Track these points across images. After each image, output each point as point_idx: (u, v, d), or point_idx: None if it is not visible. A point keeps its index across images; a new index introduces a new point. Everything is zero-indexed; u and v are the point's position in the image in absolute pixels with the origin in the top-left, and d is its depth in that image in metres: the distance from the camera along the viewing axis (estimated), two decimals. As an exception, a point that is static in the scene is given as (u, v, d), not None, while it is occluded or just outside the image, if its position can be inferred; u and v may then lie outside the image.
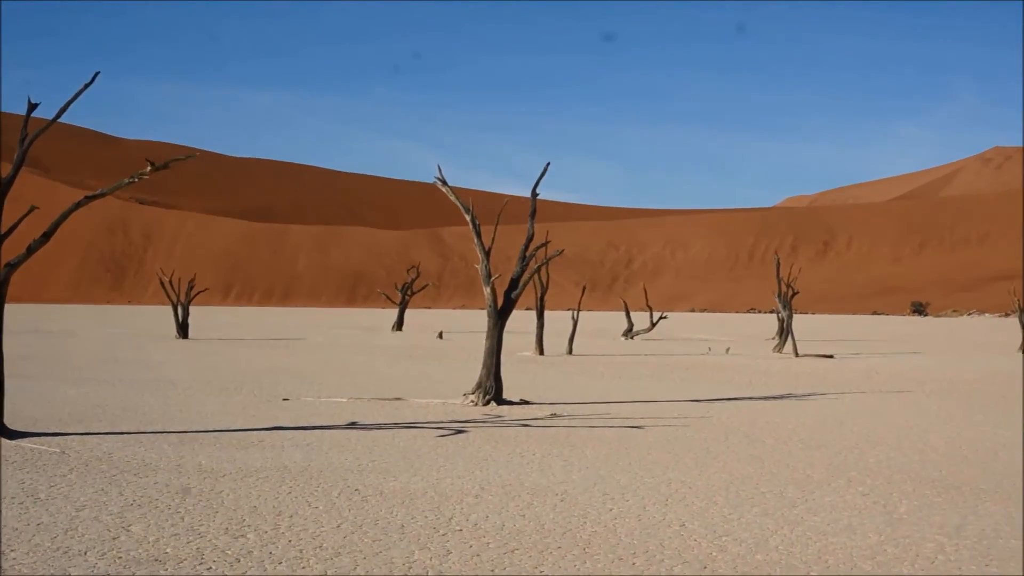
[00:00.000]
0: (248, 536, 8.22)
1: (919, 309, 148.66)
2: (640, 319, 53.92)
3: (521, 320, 50.15)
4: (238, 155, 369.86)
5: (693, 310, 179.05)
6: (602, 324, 74.06)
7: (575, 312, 38.74)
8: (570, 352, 35.04)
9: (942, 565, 7.55)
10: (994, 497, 10.02)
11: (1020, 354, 37.24)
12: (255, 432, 14.12)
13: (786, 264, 44.43)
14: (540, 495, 9.88)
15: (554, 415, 16.57)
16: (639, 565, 7.51)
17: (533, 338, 35.17)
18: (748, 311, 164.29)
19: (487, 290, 18.91)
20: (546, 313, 36.09)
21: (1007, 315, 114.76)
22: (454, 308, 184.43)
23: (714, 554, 7.82)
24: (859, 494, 10.10)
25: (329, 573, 7.24)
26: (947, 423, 16.07)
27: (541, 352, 34.25)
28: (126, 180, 14.38)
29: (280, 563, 7.47)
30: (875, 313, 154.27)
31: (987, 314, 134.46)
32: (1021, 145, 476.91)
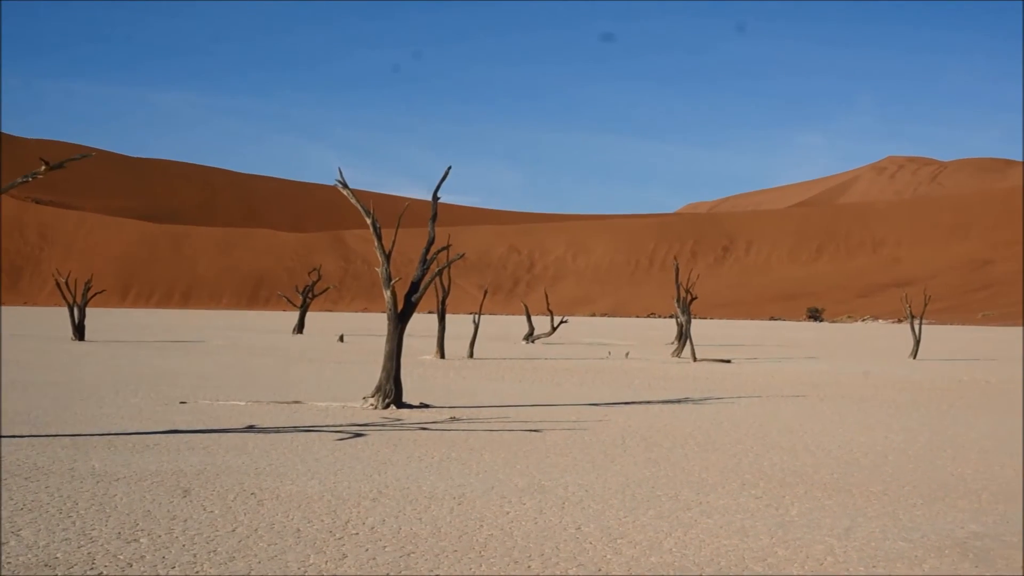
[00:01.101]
0: (141, 541, 8.13)
1: (815, 315, 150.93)
2: (541, 323, 54.13)
3: (423, 323, 50.17)
4: (141, 155, 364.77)
5: (594, 314, 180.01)
6: (504, 328, 74.22)
7: (476, 316, 38.81)
8: (471, 356, 35.08)
9: (831, 566, 7.69)
10: (883, 499, 10.22)
11: (912, 359, 37.96)
12: (151, 436, 13.96)
13: (686, 269, 44.91)
14: (437, 499, 9.90)
15: (453, 418, 16.58)
16: (535, 568, 7.56)
17: (434, 341, 35.16)
18: (648, 315, 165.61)
19: (387, 293, 18.88)
20: (447, 316, 36.10)
21: (900, 321, 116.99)
22: (356, 311, 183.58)
23: (609, 556, 7.89)
24: (752, 497, 10.25)
25: (223, 577, 7.19)
26: (840, 427, 16.34)
27: (442, 355, 34.24)
28: (19, 179, 14.15)
29: (173, 568, 7.40)
30: (773, 318, 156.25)
31: (881, 320, 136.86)
32: (914, 155, 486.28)
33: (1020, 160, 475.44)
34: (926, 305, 45.76)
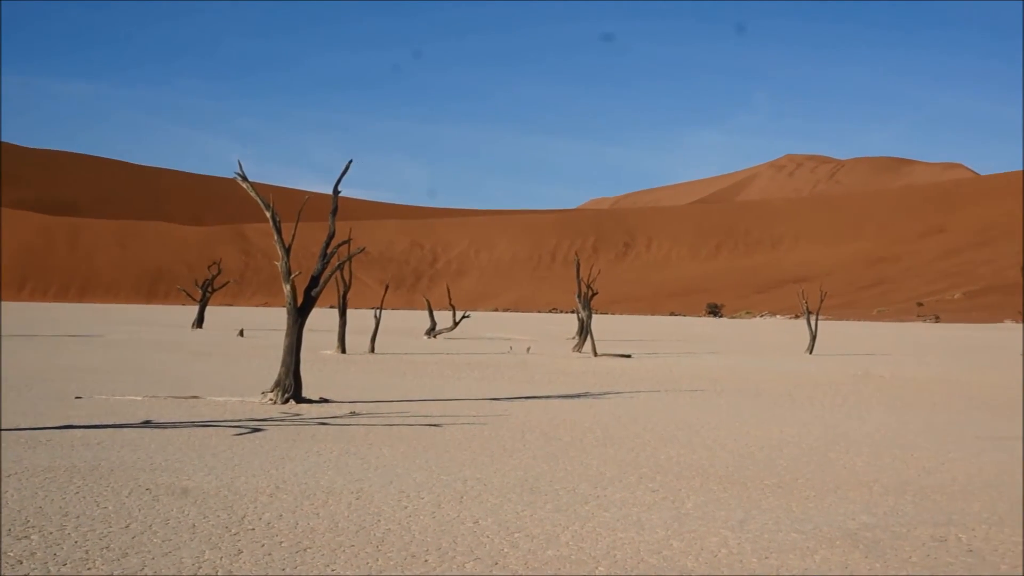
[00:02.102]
0: (32, 537, 8.00)
1: (714, 310, 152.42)
2: (444, 318, 54.09)
3: (324, 318, 49.84)
4: (37, 146, 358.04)
5: (496, 309, 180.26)
6: (406, 323, 74.08)
7: (378, 310, 38.67)
8: (372, 350, 34.97)
9: (725, 558, 7.79)
10: (777, 492, 10.38)
11: (808, 354, 38.52)
12: (44, 431, 13.73)
13: (587, 265, 45.13)
14: (335, 494, 9.86)
15: (353, 413, 16.52)
16: (431, 563, 7.56)
17: (335, 336, 35.00)
18: (550, 311, 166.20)
19: (287, 287, 18.76)
20: (349, 311, 35.95)
21: (797, 317, 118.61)
22: (257, 305, 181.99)
23: (506, 550, 7.92)
24: (649, 490, 10.34)
25: (116, 574, 7.10)
26: (736, 420, 16.55)
27: (343, 350, 34.09)
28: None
29: (65, 564, 7.29)
30: (672, 314, 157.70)
31: (779, 316, 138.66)
32: (812, 153, 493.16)
33: (915, 159, 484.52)
34: (822, 301, 46.46)
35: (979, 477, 11.42)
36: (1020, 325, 53.38)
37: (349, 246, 23.40)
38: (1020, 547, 8.23)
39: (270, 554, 7.68)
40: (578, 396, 20.45)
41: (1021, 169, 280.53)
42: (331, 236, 19.50)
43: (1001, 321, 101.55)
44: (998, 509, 9.64)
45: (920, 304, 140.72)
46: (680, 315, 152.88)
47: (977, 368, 31.56)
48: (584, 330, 38.36)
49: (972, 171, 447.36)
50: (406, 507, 9.33)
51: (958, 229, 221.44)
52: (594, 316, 42.27)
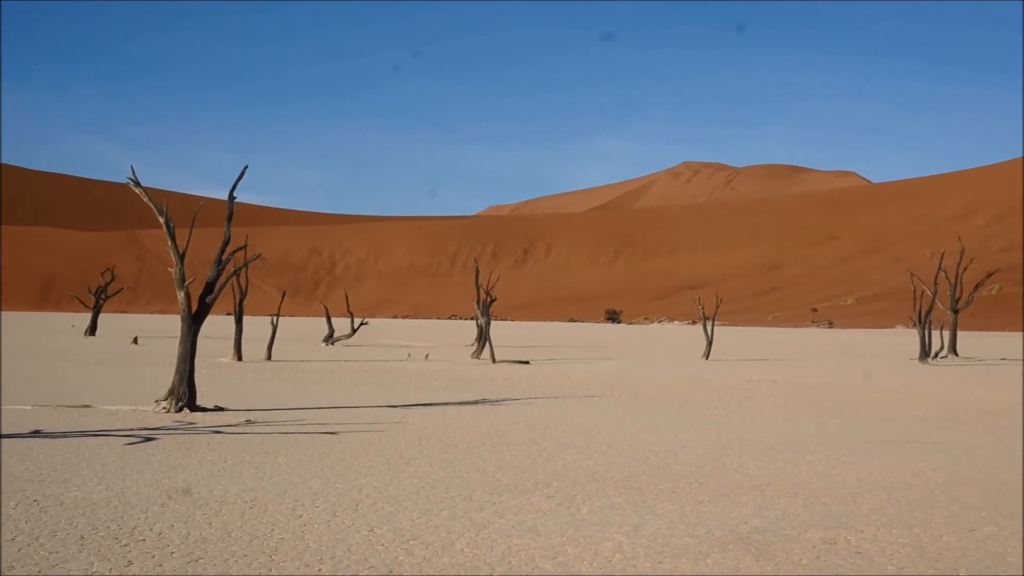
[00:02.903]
0: (-86, 551, 7.81)
1: (613, 316, 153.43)
2: (342, 325, 53.79)
3: (221, 325, 49.29)
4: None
5: (396, 316, 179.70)
6: (304, 330, 73.56)
7: (274, 317, 38.34)
8: (269, 358, 34.66)
9: (619, 563, 7.84)
10: (671, 496, 10.46)
11: (704, 360, 38.91)
12: (-72, 442, 13.41)
13: (486, 271, 45.18)
14: (229, 503, 9.75)
15: (248, 421, 16.36)
16: (325, 571, 7.51)
17: (232, 343, 34.64)
18: (450, 317, 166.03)
19: (181, 295, 18.54)
20: (246, 318, 35.60)
21: (694, 323, 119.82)
22: (152, 312, 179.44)
23: (400, 558, 7.90)
24: (545, 496, 10.37)
25: (1, 588, 6.96)
26: (632, 426, 16.65)
27: (239, 358, 33.75)
28: None
29: (-52, 579, 7.14)
30: (572, 320, 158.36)
31: (676, 321, 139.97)
32: (709, 160, 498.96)
33: (809, 167, 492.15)
34: (718, 307, 46.96)
35: (869, 480, 11.62)
36: (912, 329, 54.37)
37: (245, 252, 23.22)
38: (907, 548, 8.38)
39: (161, 565, 7.58)
40: (476, 403, 20.45)
41: (912, 177, 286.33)
42: (226, 242, 19.30)
43: (893, 327, 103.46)
44: (886, 511, 9.81)
45: (814, 310, 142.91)
46: (579, 321, 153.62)
47: (872, 373, 32.10)
48: (483, 336, 38.39)
49: (864, 179, 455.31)
50: (301, 516, 9.26)
51: (851, 236, 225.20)
52: (493, 322, 42.35)
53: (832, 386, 26.28)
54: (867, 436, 15.75)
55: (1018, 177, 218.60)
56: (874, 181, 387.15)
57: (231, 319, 35.45)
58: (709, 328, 41.67)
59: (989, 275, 48.11)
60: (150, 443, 13.70)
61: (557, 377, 28.52)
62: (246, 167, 19.80)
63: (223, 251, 19.20)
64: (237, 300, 34.42)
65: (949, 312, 44.07)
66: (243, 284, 34.19)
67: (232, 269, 20.24)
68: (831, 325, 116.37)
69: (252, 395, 21.36)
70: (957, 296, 44.14)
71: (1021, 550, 8.39)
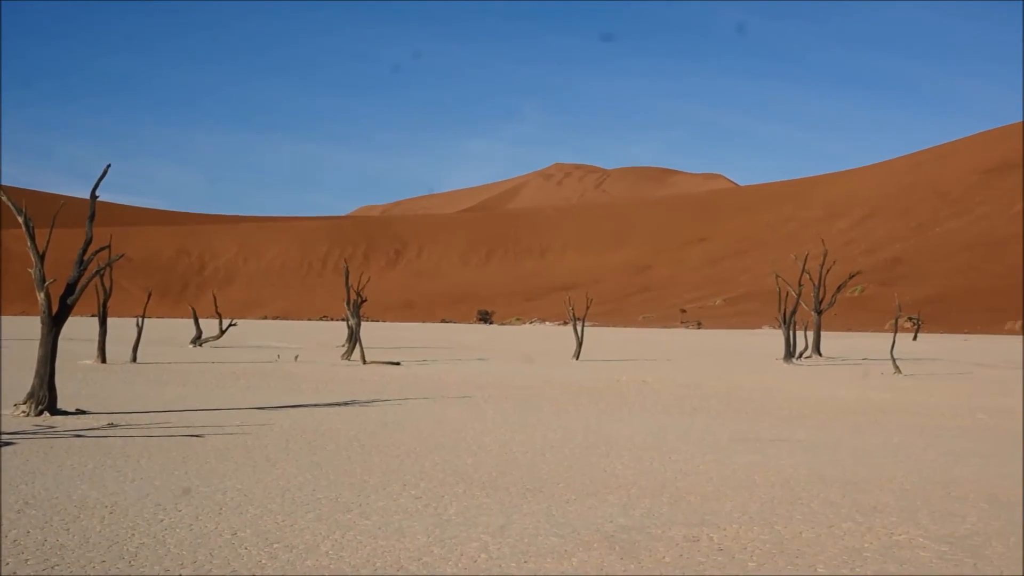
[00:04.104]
0: None
1: (485, 317, 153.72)
2: (210, 326, 53.07)
3: (85, 327, 48.35)
4: None
5: (266, 317, 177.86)
6: (171, 332, 72.37)
7: (140, 319, 37.68)
8: (134, 360, 34.03)
9: (484, 563, 7.84)
10: (538, 496, 10.50)
11: (574, 360, 39.16)
12: None
13: (359, 272, 44.94)
14: (88, 508, 9.54)
15: (111, 425, 16.04)
16: (186, 575, 7.39)
17: (96, 345, 33.96)
18: (321, 318, 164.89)
19: (41, 296, 18.11)
20: (111, 320, 34.93)
21: (565, 323, 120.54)
22: (13, 314, 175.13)
23: (264, 561, 7.81)
24: (412, 497, 10.33)
25: None
26: (501, 426, 16.68)
27: (103, 360, 33.08)
28: None
29: None
30: (444, 321, 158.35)
31: (548, 322, 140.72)
32: (580, 162, 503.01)
33: (678, 169, 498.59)
34: (588, 308, 47.27)
35: (732, 478, 11.79)
36: (778, 330, 55.38)
37: (109, 252, 22.78)
38: (768, 545, 8.52)
39: (15, 573, 7.39)
40: (345, 404, 20.32)
41: (778, 180, 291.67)
42: (88, 242, 18.90)
43: (759, 327, 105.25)
44: (749, 509, 9.96)
45: (683, 311, 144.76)
46: (451, 322, 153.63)
47: (735, 373, 32.60)
48: (353, 338, 38.17)
49: (732, 181, 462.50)
50: (162, 520, 9.10)
51: (719, 238, 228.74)
52: (366, 324, 42.14)
53: (698, 386, 26.62)
54: (732, 435, 15.98)
55: (881, 181, 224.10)
56: (741, 184, 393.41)
57: (96, 320, 34.72)
58: (579, 329, 41.94)
59: (851, 276, 49.08)
60: (8, 448, 13.35)
61: (427, 378, 28.47)
62: (108, 166, 19.41)
63: (84, 251, 18.80)
64: (101, 301, 33.73)
65: (813, 313, 44.92)
66: (107, 285, 33.52)
67: (95, 269, 19.82)
68: (700, 326, 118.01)
69: (116, 398, 20.94)
70: (820, 297, 45.00)
71: (560, 543, 8.57)
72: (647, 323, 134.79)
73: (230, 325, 49.35)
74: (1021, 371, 33.96)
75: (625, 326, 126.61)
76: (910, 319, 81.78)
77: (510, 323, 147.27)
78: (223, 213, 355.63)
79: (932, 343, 65.57)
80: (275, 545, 8.29)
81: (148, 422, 16.56)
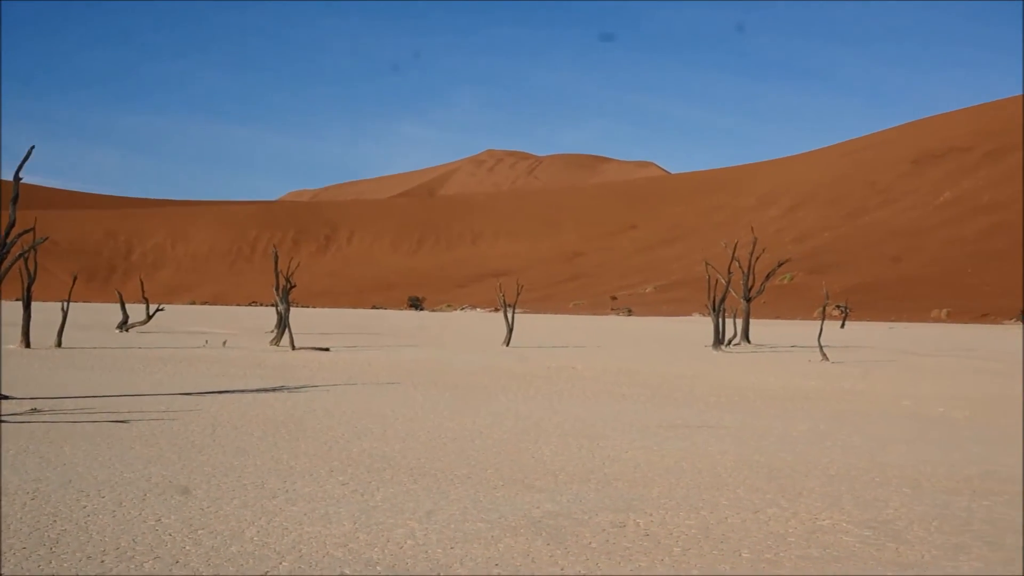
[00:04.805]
0: None
1: (416, 303, 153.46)
2: (137, 311, 52.54)
3: (8, 311, 47.69)
4: None
5: (194, 302, 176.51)
6: (97, 316, 71.58)
7: (65, 303, 37.21)
8: (59, 345, 33.61)
9: (410, 549, 7.82)
10: (466, 482, 10.49)
11: (505, 347, 39.18)
12: None
13: (288, 257, 44.63)
14: (9, 494, 9.41)
15: (34, 410, 15.82)
16: (108, 563, 7.31)
17: (19, 330, 33.49)
18: (250, 304, 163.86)
19: (-37, 279, 17.83)
20: (36, 304, 34.46)
21: (496, 310, 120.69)
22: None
23: (188, 548, 7.74)
24: (339, 483, 10.29)
25: None
26: (431, 413, 16.66)
27: (27, 344, 32.64)
28: None
29: None
30: (375, 307, 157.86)
31: (479, 309, 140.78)
32: (512, 149, 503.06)
33: (610, 157, 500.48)
34: (519, 295, 47.27)
35: (660, 464, 11.85)
36: (707, 317, 55.78)
37: (33, 235, 22.48)
38: (694, 530, 8.57)
39: (-68, 560, 7.27)
40: (273, 390, 20.19)
41: (709, 169, 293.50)
42: (11, 225, 18.63)
43: (690, 314, 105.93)
44: (675, 494, 10.01)
45: (614, 298, 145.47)
46: (382, 308, 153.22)
47: (665, 360, 32.77)
48: (282, 323, 37.94)
49: (663, 169, 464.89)
50: (85, 506, 9.00)
51: (650, 226, 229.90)
52: (297, 310, 41.89)
53: (628, 372, 26.73)
54: (660, 421, 16.06)
55: (810, 170, 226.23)
56: (673, 172, 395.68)
57: (20, 305, 34.24)
58: (510, 315, 41.97)
59: (780, 264, 49.44)
60: (-73, 433, 13.14)
61: (357, 364, 28.36)
62: (32, 147, 19.12)
63: (7, 234, 18.54)
64: (25, 285, 33.27)
65: (742, 300, 45.23)
66: (32, 269, 33.06)
67: (18, 253, 19.54)
68: (630, 313, 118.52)
69: (39, 383, 20.67)
70: (750, 285, 45.32)
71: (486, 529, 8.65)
72: (578, 310, 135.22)
73: (157, 310, 48.88)
74: (1022, 363, 34.44)
75: (556, 313, 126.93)
76: (838, 307, 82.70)
77: (441, 309, 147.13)
78: (151, 197, 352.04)
79: (859, 330, 66.30)
80: (199, 531, 8.22)
81: (72, 408, 16.35)
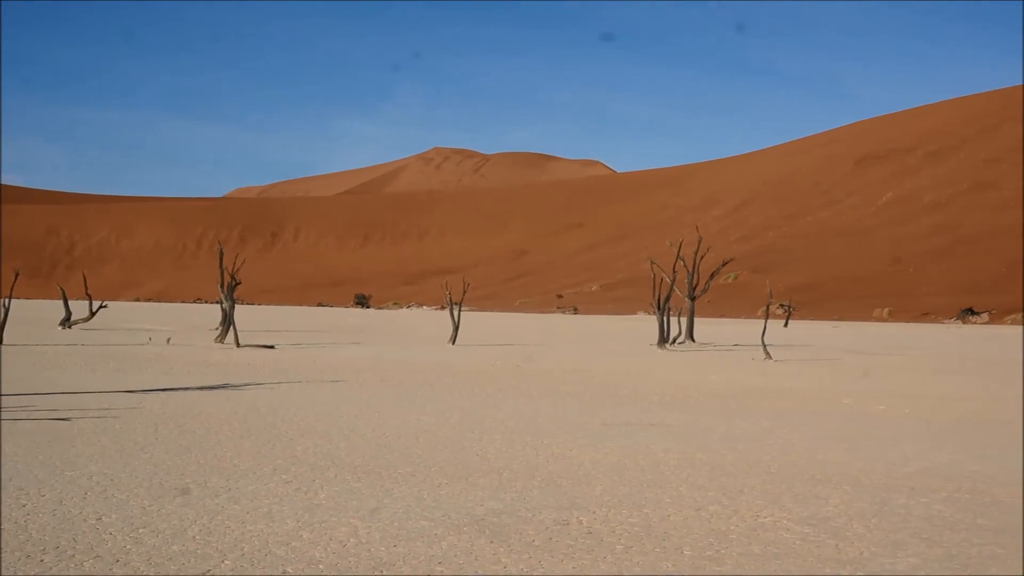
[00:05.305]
0: None
1: (362, 301, 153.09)
2: (80, 308, 52.09)
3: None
4: None
5: (139, 299, 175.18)
6: (39, 312, 70.89)
7: (6, 300, 36.83)
8: (0, 341, 33.27)
9: (352, 547, 7.82)
10: (410, 481, 10.49)
11: (451, 345, 39.18)
12: None
13: (234, 254, 44.42)
14: (-53, 493, 9.32)
15: (-26, 408, 15.67)
16: (48, 562, 7.25)
17: (-41, 327, 33.14)
18: (196, 301, 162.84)
19: (-99, 275, 17.62)
20: (-25, 300, 34.07)
21: (443, 308, 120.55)
22: None
23: (129, 547, 7.69)
24: (282, 482, 10.26)
25: None
26: (376, 411, 16.63)
27: (-32, 342, 32.31)
28: None
29: None
30: (321, 304, 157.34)
31: (425, 307, 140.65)
32: (459, 147, 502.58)
33: (556, 155, 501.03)
34: (465, 292, 47.29)
35: (603, 462, 11.90)
36: (652, 316, 56.02)
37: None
38: (636, 528, 8.62)
39: None
40: (217, 388, 20.10)
41: (655, 168, 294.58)
42: (-48, 221, 18.42)
43: (635, 313, 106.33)
44: (618, 492, 10.06)
45: (560, 296, 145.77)
46: (328, 306, 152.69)
47: (610, 358, 32.89)
48: (227, 320, 37.75)
49: (609, 168, 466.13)
50: (24, 505, 8.92)
51: (596, 224, 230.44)
52: (242, 307, 41.65)
53: (573, 371, 26.81)
54: (604, 419, 16.12)
55: (754, 170, 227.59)
56: (618, 171, 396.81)
57: (-41, 301, 33.87)
58: (456, 313, 41.96)
59: (724, 263, 49.75)
60: None
61: (302, 362, 28.27)
62: (-26, 142, 18.91)
63: (-52, 229, 18.33)
64: (-34, 281, 32.96)
65: (687, 299, 45.46)
66: (-27, 265, 32.73)
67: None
68: (576, 311, 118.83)
69: (-20, 380, 20.45)
70: (695, 284, 45.57)
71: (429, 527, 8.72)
72: (524, 308, 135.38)
73: (101, 307, 48.48)
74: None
75: (503, 311, 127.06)
76: (781, 306, 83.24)
77: (388, 307, 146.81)
78: (95, 192, 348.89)
79: (803, 329, 66.81)
80: (141, 530, 8.18)
81: (12, 405, 16.20)
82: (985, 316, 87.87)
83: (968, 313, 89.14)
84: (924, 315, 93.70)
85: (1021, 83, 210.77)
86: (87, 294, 50.24)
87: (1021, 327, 74.80)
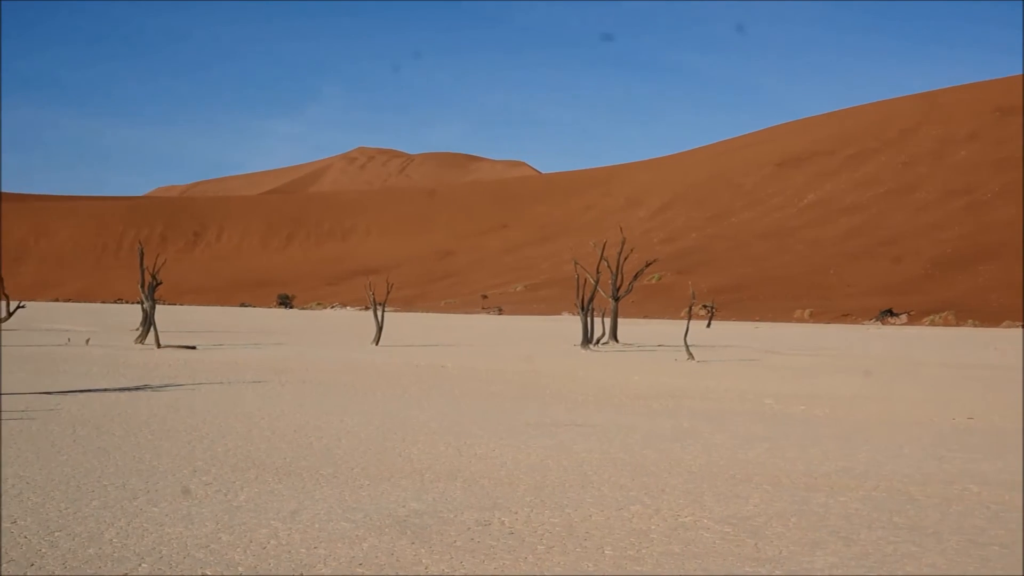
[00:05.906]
0: None
1: (285, 301, 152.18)
2: (-3, 308, 51.24)
3: None
4: None
5: (58, 299, 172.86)
6: (-45, 313, 69.71)
7: (-79, 300, 36.17)
8: (-86, 342, 32.69)
9: (273, 549, 7.76)
10: (332, 482, 10.43)
11: (374, 345, 39.04)
12: None
13: (155, 254, 43.97)
14: None
15: None
16: (-40, 566, 7.14)
17: None
18: (116, 301, 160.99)
19: None
20: None
21: (367, 308, 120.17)
22: None
23: (44, 550, 7.58)
24: (203, 483, 10.16)
25: None
26: (298, 412, 16.53)
27: None
28: None
29: None
30: (243, 305, 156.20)
31: (349, 307, 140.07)
32: (384, 147, 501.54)
33: (481, 156, 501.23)
34: (388, 293, 47.15)
35: (525, 462, 11.91)
36: (576, 316, 56.07)
37: None
38: (558, 528, 8.63)
39: None
40: (137, 389, 19.87)
41: (579, 169, 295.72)
42: None
43: (559, 313, 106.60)
44: (541, 493, 10.07)
45: (485, 296, 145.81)
46: (251, 306, 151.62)
47: (534, 358, 32.94)
48: (147, 321, 37.36)
49: (534, 169, 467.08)
50: (-63, 509, 8.77)
51: (521, 225, 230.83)
52: (163, 307, 41.23)
53: (497, 371, 26.82)
54: (527, 420, 16.13)
55: (678, 172, 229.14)
56: (543, 172, 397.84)
57: None
58: (380, 314, 41.83)
59: (648, 264, 50.01)
60: None
61: (223, 362, 28.04)
62: None
63: None
64: None
65: (611, 300, 45.65)
66: None
67: None
68: (501, 311, 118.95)
69: None
70: (618, 285, 45.76)
71: (350, 528, 8.76)
72: (449, 308, 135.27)
73: (18, 307, 47.67)
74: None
75: (427, 311, 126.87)
76: (704, 306, 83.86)
77: (311, 307, 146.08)
78: (11, 191, 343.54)
79: (725, 330, 67.36)
80: (56, 533, 8.06)
81: (-74, 407, 15.92)
82: (904, 317, 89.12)
83: (887, 314, 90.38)
84: (844, 316, 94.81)
85: (940, 87, 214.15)
86: (4, 294, 49.43)
87: (939, 328, 75.97)
